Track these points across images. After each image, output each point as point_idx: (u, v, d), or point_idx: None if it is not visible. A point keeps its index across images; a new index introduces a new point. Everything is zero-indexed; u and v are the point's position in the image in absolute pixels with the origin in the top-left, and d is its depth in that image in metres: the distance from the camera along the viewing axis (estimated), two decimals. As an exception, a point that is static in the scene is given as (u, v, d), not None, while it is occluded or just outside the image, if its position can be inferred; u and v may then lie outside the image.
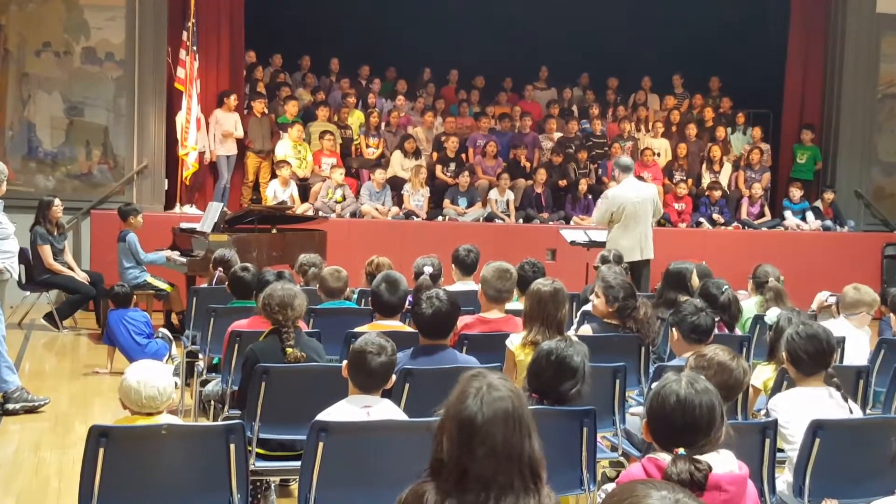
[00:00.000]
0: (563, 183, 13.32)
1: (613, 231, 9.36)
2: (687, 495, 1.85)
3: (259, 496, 4.98)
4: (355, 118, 13.57)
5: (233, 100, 12.20)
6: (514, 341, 4.96)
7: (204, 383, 6.13)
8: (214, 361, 6.25)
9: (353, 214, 12.25)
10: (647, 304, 5.70)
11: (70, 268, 10.07)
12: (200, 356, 6.47)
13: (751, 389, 4.98)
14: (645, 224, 9.40)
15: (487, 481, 2.42)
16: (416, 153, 13.15)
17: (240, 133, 12.33)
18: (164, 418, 3.84)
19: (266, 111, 12.73)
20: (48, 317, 10.02)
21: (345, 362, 3.90)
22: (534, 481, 2.47)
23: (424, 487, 2.47)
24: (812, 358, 4.19)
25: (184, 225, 10.40)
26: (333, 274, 6.40)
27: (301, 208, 11.77)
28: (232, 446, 3.64)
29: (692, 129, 14.02)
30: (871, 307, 6.24)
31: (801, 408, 4.06)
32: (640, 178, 11.82)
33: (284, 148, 12.41)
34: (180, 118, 11.62)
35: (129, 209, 10.01)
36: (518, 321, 5.58)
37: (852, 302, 6.23)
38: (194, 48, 11.58)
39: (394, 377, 3.92)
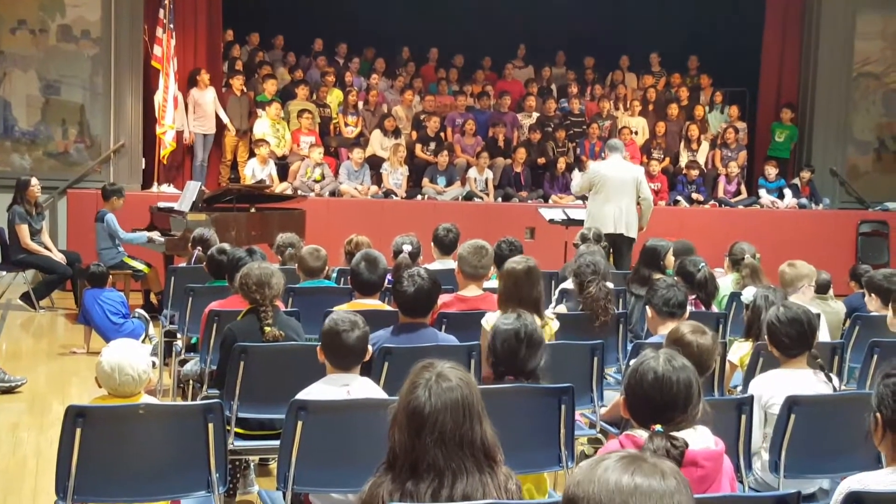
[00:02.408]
0: (541, 161, 13.32)
1: (593, 202, 9.50)
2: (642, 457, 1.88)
3: (238, 475, 4.99)
4: (334, 97, 13.50)
5: (205, 75, 12.11)
6: (489, 320, 4.96)
7: (182, 363, 6.12)
8: (193, 341, 6.23)
9: (332, 193, 12.21)
10: (598, 281, 5.69)
11: (47, 248, 10.00)
12: (178, 336, 6.45)
13: (727, 366, 5.02)
14: (626, 200, 9.46)
15: (440, 469, 2.46)
16: (396, 132, 13.11)
17: (220, 109, 12.26)
18: (143, 400, 3.82)
19: (244, 89, 12.66)
20: (25, 297, 9.96)
21: (318, 346, 3.89)
22: (489, 464, 2.51)
23: (381, 480, 2.51)
24: (794, 341, 4.19)
25: (161, 204, 10.35)
26: (312, 253, 6.39)
27: (280, 187, 11.73)
28: (210, 426, 3.64)
29: (672, 109, 14.04)
30: (811, 278, 6.31)
31: (786, 389, 4.08)
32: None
33: (262, 127, 12.34)
34: (157, 97, 11.54)
35: (113, 189, 9.91)
36: (495, 299, 5.59)
37: (792, 279, 6.25)
38: (171, 26, 11.48)
39: (370, 348, 3.92)
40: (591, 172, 9.73)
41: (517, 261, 5.04)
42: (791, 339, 4.19)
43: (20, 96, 11.54)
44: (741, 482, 3.90)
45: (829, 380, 4.19)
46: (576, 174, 10.94)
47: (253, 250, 6.29)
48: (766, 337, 4.33)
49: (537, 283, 4.98)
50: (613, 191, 9.44)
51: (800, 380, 4.15)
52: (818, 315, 5.84)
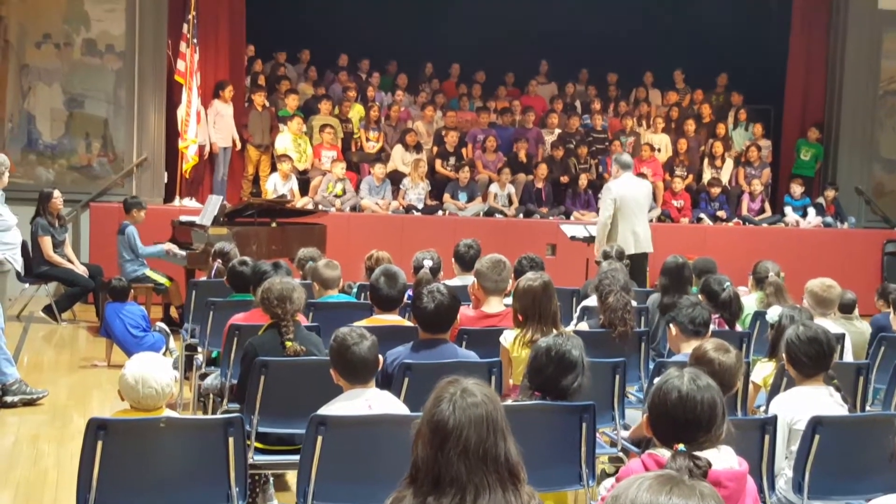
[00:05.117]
0: (564, 179, 13.27)
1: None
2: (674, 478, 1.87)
3: (258, 490, 4.98)
4: (355, 112, 13.53)
5: (228, 91, 12.17)
6: (508, 338, 4.95)
7: (203, 377, 6.12)
8: (214, 355, 6.24)
9: (353, 208, 12.23)
10: (618, 292, 5.64)
11: (69, 260, 10.06)
12: (199, 349, 6.46)
13: (751, 386, 4.98)
14: (639, 219, 9.41)
15: (463, 484, 2.44)
16: (417, 147, 13.12)
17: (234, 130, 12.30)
18: (164, 414, 3.81)
19: (266, 104, 12.71)
20: (47, 309, 10.01)
21: (331, 369, 3.88)
22: (512, 482, 2.49)
23: (403, 493, 2.50)
24: (813, 360, 4.18)
25: (183, 218, 10.39)
26: (328, 264, 6.38)
27: (301, 202, 11.75)
28: (231, 440, 3.64)
29: (689, 125, 14.00)
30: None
31: (804, 406, 4.05)
32: (641, 174, 11.80)
33: (284, 141, 12.38)
34: (180, 111, 11.59)
35: (134, 202, 10.01)
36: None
37: (831, 301, 6.22)
38: (195, 41, 11.54)
39: (381, 357, 3.91)
40: (612, 194, 9.41)
41: (531, 277, 5.04)
42: (809, 359, 4.18)
43: (44, 110, 11.62)
44: (764, 503, 3.86)
45: (845, 401, 4.15)
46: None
47: (279, 264, 6.30)
48: (783, 355, 4.31)
49: (553, 297, 5.02)
50: (629, 211, 9.34)
51: (818, 398, 4.12)
52: (842, 335, 5.82)
